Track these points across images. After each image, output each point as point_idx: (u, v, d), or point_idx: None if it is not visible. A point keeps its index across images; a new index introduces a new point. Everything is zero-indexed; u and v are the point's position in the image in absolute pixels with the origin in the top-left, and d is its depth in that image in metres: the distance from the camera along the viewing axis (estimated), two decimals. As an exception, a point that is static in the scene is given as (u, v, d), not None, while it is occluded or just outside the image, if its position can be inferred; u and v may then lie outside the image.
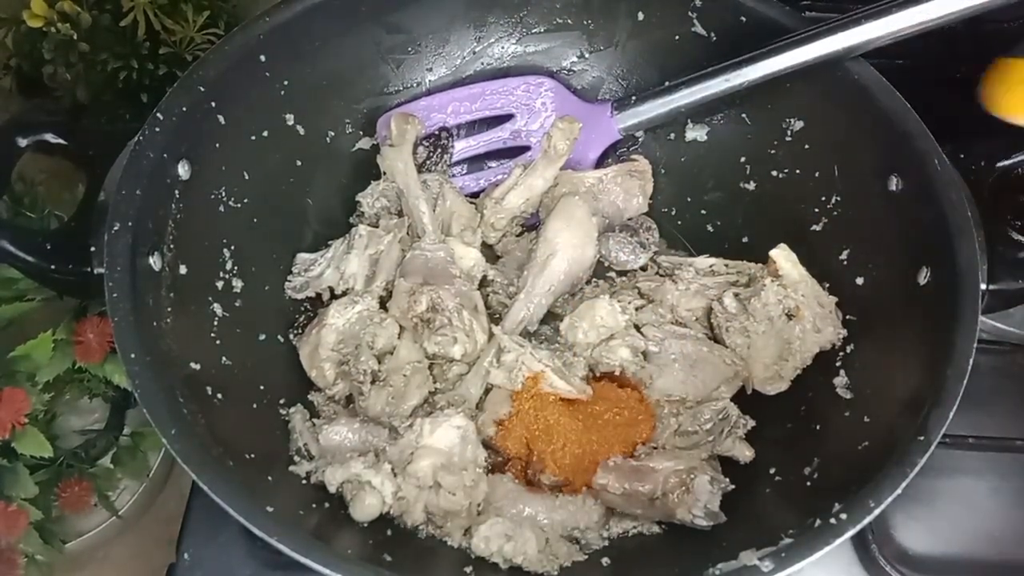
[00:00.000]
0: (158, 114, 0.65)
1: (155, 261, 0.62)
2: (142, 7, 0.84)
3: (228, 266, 0.70)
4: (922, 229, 0.65)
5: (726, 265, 0.77)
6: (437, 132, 0.83)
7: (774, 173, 0.78)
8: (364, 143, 0.82)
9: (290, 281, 0.76)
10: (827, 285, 0.71)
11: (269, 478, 0.61)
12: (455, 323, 0.70)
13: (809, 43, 0.70)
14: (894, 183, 0.68)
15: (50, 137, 0.69)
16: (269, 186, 0.75)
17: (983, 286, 0.61)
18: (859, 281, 0.70)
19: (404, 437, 0.64)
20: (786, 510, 0.61)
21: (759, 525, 0.60)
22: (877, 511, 0.53)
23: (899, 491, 0.53)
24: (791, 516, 0.58)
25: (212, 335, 0.67)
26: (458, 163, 0.84)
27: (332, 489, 0.62)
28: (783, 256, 0.71)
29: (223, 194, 0.71)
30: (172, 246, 0.65)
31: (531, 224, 0.82)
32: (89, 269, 0.62)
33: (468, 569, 0.60)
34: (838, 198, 0.73)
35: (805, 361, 0.69)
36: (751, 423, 0.68)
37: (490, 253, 0.81)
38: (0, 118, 0.72)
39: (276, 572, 0.67)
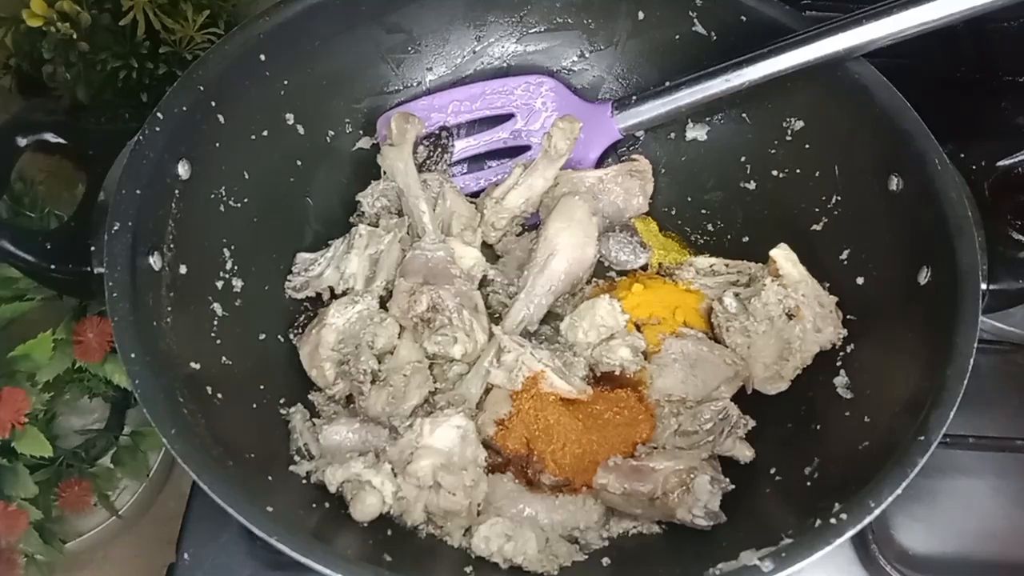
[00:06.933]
0: (158, 114, 0.65)
1: (155, 261, 0.62)
2: (142, 6, 0.84)
3: (228, 266, 0.70)
4: (922, 229, 0.65)
5: (726, 265, 0.76)
6: (437, 132, 0.83)
7: (774, 173, 0.78)
8: (364, 143, 0.82)
9: (290, 281, 0.75)
10: (827, 285, 0.71)
11: (269, 478, 0.61)
12: (455, 323, 0.70)
13: (810, 43, 0.70)
14: (894, 183, 0.68)
15: (50, 137, 0.69)
16: (269, 186, 0.75)
17: (983, 286, 0.61)
18: (859, 281, 0.70)
19: (404, 437, 0.64)
20: (786, 510, 0.61)
21: (759, 525, 0.60)
22: (877, 511, 0.53)
23: (899, 491, 0.53)
24: (791, 516, 0.58)
25: (212, 335, 0.67)
26: (458, 163, 0.84)
27: (332, 489, 0.62)
28: (783, 256, 0.71)
29: (223, 194, 0.71)
30: (172, 246, 0.65)
31: (531, 224, 0.82)
32: (89, 269, 0.62)
33: (468, 569, 0.60)
34: (838, 198, 0.73)
35: (805, 361, 0.69)
36: (751, 423, 0.68)
37: (490, 253, 0.80)
38: (0, 118, 0.72)
39: (276, 572, 0.67)
